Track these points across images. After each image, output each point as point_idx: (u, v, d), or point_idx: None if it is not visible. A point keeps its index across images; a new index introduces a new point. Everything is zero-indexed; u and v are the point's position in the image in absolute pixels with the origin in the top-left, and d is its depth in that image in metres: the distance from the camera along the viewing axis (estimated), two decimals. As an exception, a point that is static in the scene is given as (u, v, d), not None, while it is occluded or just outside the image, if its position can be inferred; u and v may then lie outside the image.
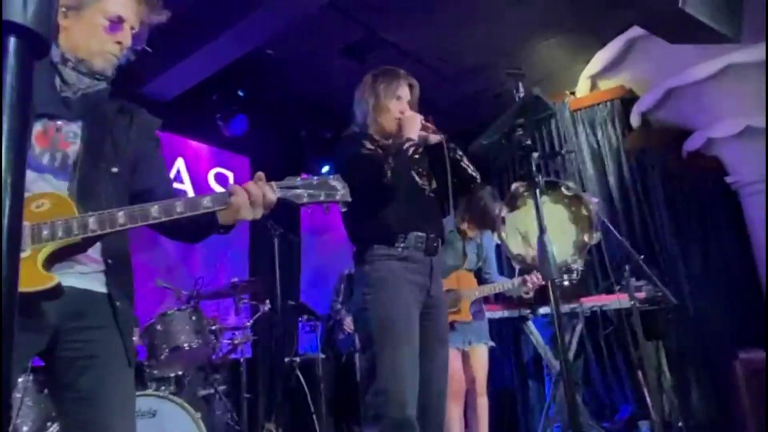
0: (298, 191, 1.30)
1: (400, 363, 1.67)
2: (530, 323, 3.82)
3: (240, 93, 4.71)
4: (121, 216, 1.20)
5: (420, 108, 2.24)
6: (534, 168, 1.53)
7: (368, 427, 1.63)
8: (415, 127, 2.04)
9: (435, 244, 1.98)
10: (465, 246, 3.25)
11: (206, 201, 1.25)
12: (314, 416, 4.14)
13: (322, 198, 1.30)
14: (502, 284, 3.07)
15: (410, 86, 2.23)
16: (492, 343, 3.27)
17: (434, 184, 2.08)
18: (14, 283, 0.32)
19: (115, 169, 1.34)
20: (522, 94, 1.64)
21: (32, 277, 1.11)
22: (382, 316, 1.73)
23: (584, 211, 1.68)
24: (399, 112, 2.11)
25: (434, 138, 2.05)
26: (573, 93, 5.11)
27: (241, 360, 3.62)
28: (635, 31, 4.43)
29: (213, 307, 4.04)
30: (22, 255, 1.09)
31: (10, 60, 0.35)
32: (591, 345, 4.40)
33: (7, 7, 0.34)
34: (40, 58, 0.36)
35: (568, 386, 1.50)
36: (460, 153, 2.05)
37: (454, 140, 2.07)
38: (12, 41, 0.35)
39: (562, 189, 1.72)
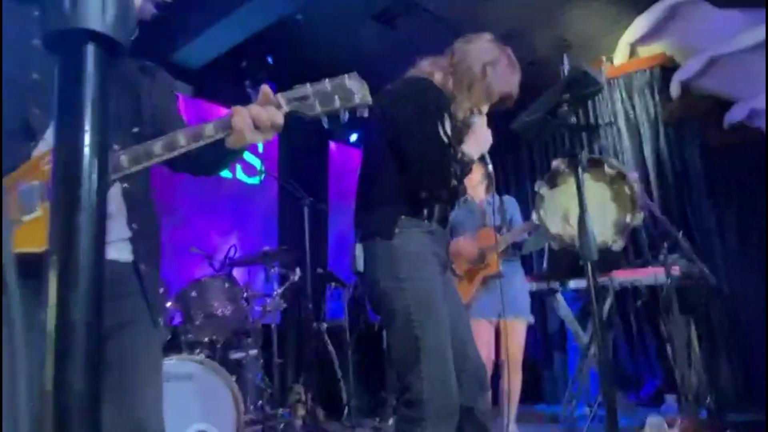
0: (310, 101, 1.16)
1: (444, 346, 1.57)
2: (559, 296, 3.80)
3: (269, 59, 4.67)
4: (124, 159, 1.11)
5: None
6: (578, 145, 1.48)
7: (411, 409, 1.54)
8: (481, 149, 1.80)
9: (449, 214, 1.86)
10: (484, 210, 3.18)
11: (208, 129, 1.15)
12: (341, 381, 4.24)
13: (337, 105, 1.15)
14: (522, 227, 2.90)
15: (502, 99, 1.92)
16: (532, 319, 3.17)
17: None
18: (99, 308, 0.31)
19: (136, 129, 1.29)
20: (567, 67, 1.58)
21: (44, 235, 1.09)
22: (422, 296, 1.60)
23: (627, 190, 1.63)
24: (482, 118, 1.85)
25: None
26: (610, 60, 4.93)
27: (273, 326, 3.70)
28: (679, -5, 4.23)
29: (244, 275, 4.12)
30: (33, 215, 1.06)
31: (89, 67, 0.34)
32: (619, 319, 4.37)
33: (85, 14, 0.33)
34: (116, 63, 0.36)
35: (605, 366, 1.49)
36: None
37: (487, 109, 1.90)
38: (90, 48, 0.34)
39: (605, 167, 1.67)
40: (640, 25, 4.54)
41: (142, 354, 1.25)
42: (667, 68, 4.71)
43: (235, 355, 3.49)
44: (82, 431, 0.28)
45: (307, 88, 1.17)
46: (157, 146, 1.12)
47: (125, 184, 1.25)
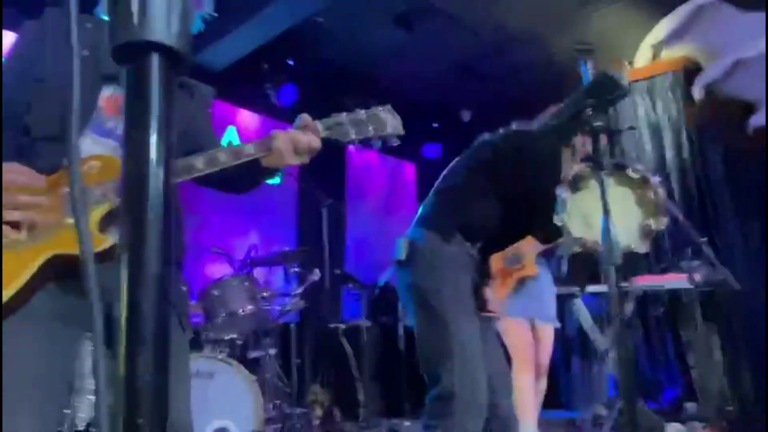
0: (345, 128, 1.24)
1: (475, 344, 1.66)
2: (578, 300, 3.77)
3: (290, 62, 4.72)
4: (197, 162, 1.16)
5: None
6: (602, 150, 1.48)
7: (440, 403, 1.58)
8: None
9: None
10: None
11: (248, 148, 1.20)
12: (358, 381, 4.26)
13: (370, 133, 1.22)
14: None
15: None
16: (558, 325, 3.17)
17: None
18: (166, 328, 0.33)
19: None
20: (591, 71, 1.58)
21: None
22: (458, 295, 1.71)
23: (651, 195, 1.62)
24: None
25: None
26: (631, 63, 4.88)
27: (292, 326, 3.74)
28: (703, -3, 4.18)
29: (264, 274, 4.16)
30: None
31: (154, 79, 0.36)
32: (640, 325, 4.32)
33: (150, 27, 0.35)
34: (180, 74, 0.38)
35: (627, 375, 1.49)
36: None
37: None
38: (155, 60, 0.36)
39: (629, 171, 1.66)
40: (662, 27, 4.50)
41: (172, 353, 1.27)
42: (689, 71, 4.65)
43: (254, 354, 3.53)
44: (152, 416, 0.30)
45: (343, 117, 1.24)
46: (199, 161, 1.17)
47: None
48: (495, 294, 2.04)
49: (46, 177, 1.12)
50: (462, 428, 1.56)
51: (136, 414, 0.30)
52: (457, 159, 2.07)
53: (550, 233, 1.93)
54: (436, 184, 2.04)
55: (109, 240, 1.08)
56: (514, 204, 1.85)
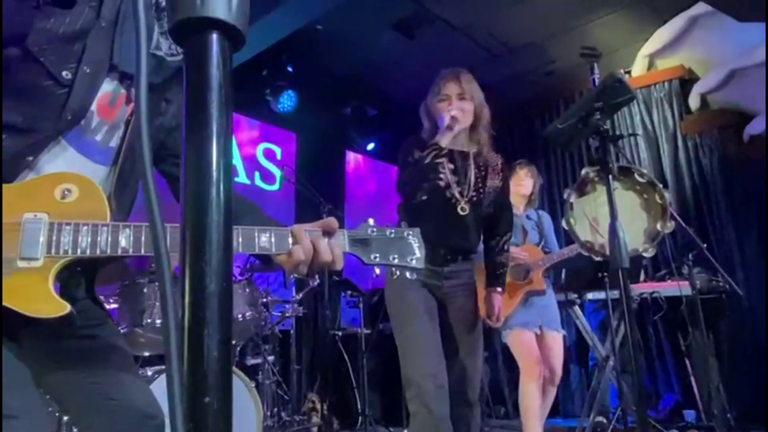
0: (369, 248, 1.12)
1: (423, 337, 1.97)
2: (577, 308, 3.78)
3: (289, 68, 4.73)
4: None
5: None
6: (609, 153, 1.49)
7: (408, 392, 1.90)
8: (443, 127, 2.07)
9: (455, 257, 2.12)
10: (523, 223, 3.28)
11: (264, 240, 1.02)
12: (356, 389, 4.23)
13: (395, 262, 1.14)
14: (569, 248, 3.03)
15: (456, 79, 2.19)
16: (564, 332, 3.22)
17: (469, 191, 2.13)
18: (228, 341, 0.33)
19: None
20: (597, 76, 1.59)
21: (39, 298, 0.89)
22: (405, 305, 2.04)
23: (658, 199, 1.63)
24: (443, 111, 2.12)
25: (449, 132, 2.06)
26: (628, 72, 4.93)
27: (291, 332, 3.71)
28: (699, 8, 4.23)
29: (263, 280, 4.14)
30: (32, 264, 0.89)
31: (214, 56, 0.36)
32: (637, 332, 4.33)
33: (211, 4, 0.35)
34: (237, 51, 0.37)
35: (638, 385, 1.48)
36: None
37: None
38: (214, 37, 0.36)
39: (635, 175, 1.67)
40: (658, 37, 4.55)
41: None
42: (685, 81, 4.71)
43: (253, 361, 3.50)
44: (216, 396, 0.30)
45: (373, 234, 1.14)
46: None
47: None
48: (503, 307, 2.12)
49: (3, 186, 0.92)
50: (426, 409, 1.83)
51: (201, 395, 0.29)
52: None
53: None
54: None
55: (66, 307, 0.92)
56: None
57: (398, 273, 1.81)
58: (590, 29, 4.50)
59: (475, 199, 2.13)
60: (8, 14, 0.93)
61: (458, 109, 2.10)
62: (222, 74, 0.35)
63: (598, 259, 1.63)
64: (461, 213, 2.09)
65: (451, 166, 2.14)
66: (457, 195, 2.10)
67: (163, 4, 1.08)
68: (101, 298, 1.20)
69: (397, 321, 2.06)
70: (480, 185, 2.16)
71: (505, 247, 2.26)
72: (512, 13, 4.29)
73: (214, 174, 0.33)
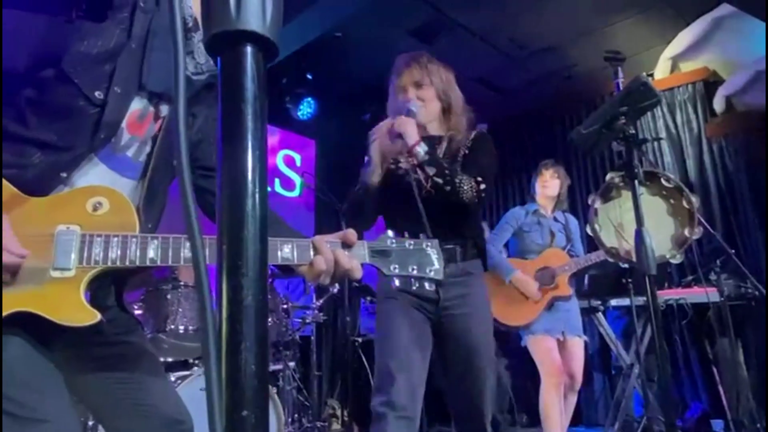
0: (389, 259, 1.13)
1: (392, 355, 1.74)
2: (600, 315, 3.72)
3: (309, 76, 4.76)
4: (186, 250, 1.00)
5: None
6: (634, 158, 1.47)
7: (372, 399, 1.74)
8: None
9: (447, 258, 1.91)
10: (551, 225, 3.25)
11: (286, 251, 1.05)
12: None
13: (414, 273, 1.14)
14: (596, 254, 2.98)
15: (410, 65, 1.94)
16: (586, 338, 3.19)
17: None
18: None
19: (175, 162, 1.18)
20: (621, 80, 1.57)
21: (70, 307, 0.92)
22: (382, 317, 1.86)
23: (685, 204, 1.60)
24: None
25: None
26: (651, 75, 4.86)
27: (312, 338, 3.72)
28: (723, 9, 4.16)
29: (283, 287, 4.16)
30: (65, 274, 0.93)
31: (249, 68, 0.36)
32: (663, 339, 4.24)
33: (247, 17, 0.36)
34: (271, 62, 0.38)
35: (666, 394, 1.45)
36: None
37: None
38: (249, 50, 0.36)
39: (662, 180, 1.64)
40: (682, 39, 4.48)
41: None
42: (710, 83, 4.62)
43: (274, 367, 3.51)
44: (254, 410, 0.30)
45: (392, 246, 1.15)
46: None
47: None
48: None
49: (37, 200, 0.95)
50: (391, 408, 1.66)
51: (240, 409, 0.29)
52: None
53: None
54: None
55: (96, 315, 0.94)
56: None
57: (385, 294, 1.80)
58: (612, 32, 4.45)
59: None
60: (43, 35, 0.97)
61: (416, 99, 1.88)
62: (257, 87, 0.35)
63: (624, 266, 1.60)
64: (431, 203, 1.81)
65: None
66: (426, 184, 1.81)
67: (190, 24, 1.11)
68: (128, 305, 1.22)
69: (376, 347, 1.84)
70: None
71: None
72: (532, 18, 4.26)
73: (250, 186, 0.33)
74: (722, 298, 2.70)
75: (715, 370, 3.93)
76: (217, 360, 0.30)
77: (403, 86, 1.92)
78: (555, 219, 3.31)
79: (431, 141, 1.89)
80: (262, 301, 0.32)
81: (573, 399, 3.10)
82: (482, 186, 1.77)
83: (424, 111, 1.89)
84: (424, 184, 1.79)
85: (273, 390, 2.80)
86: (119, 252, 0.95)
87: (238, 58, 0.36)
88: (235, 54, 0.36)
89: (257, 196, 0.33)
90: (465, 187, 1.75)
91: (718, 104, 4.52)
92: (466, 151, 1.90)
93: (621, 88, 1.57)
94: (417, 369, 1.74)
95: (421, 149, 1.78)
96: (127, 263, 0.95)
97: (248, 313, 0.31)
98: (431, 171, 1.77)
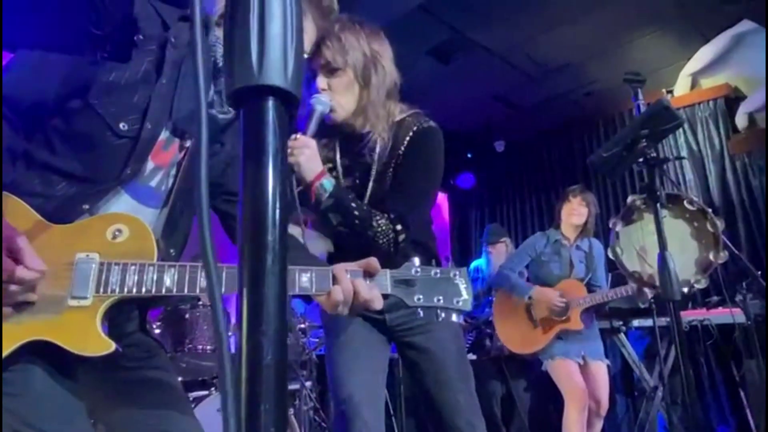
0: (413, 288, 1.08)
1: (344, 370, 1.60)
2: (622, 336, 3.65)
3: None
4: (202, 279, 0.98)
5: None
6: (656, 181, 1.45)
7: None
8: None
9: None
10: (571, 255, 3.17)
11: (304, 280, 1.02)
12: (393, 417, 4.17)
13: (440, 303, 1.08)
14: (615, 291, 2.91)
15: (320, 44, 1.42)
16: (608, 362, 3.12)
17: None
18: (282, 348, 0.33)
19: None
20: (642, 102, 1.55)
21: (86, 337, 0.92)
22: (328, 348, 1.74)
23: (709, 227, 1.56)
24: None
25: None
26: (670, 92, 4.81)
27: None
28: (743, 26, 4.13)
29: (302, 305, 4.16)
30: (82, 303, 0.93)
31: (271, 122, 0.36)
32: (688, 361, 4.13)
33: (268, 72, 0.36)
34: (292, 114, 0.38)
35: (692, 418, 1.41)
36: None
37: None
38: (271, 104, 0.37)
39: (684, 203, 1.61)
40: (702, 55, 4.44)
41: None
42: (731, 99, 4.57)
43: (290, 387, 3.49)
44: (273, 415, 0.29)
45: (417, 275, 1.10)
46: None
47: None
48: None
49: (59, 227, 0.96)
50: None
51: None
52: None
53: None
54: None
55: (112, 345, 0.94)
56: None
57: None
58: (631, 49, 4.43)
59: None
60: (69, 72, 0.98)
61: (327, 90, 1.42)
62: (279, 141, 0.36)
63: (643, 306, 1.56)
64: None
65: (346, 160, 1.55)
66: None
67: (221, 64, 1.10)
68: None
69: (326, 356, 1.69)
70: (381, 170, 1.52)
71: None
72: (550, 36, 4.26)
73: (270, 244, 0.33)
74: (749, 321, 2.63)
75: (742, 392, 3.81)
76: (236, 422, 0.30)
77: (313, 69, 1.43)
78: (577, 247, 3.21)
79: (360, 144, 1.51)
80: (281, 361, 0.32)
81: (599, 425, 3.03)
82: (401, 237, 1.43)
83: (337, 106, 1.44)
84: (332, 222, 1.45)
85: (290, 410, 2.78)
86: (135, 279, 0.95)
87: (261, 112, 0.36)
88: (258, 108, 0.36)
89: (277, 258, 0.33)
90: (381, 241, 1.41)
91: (741, 120, 4.46)
92: (400, 158, 1.50)
93: (641, 109, 1.55)
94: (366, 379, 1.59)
95: (325, 189, 1.39)
96: (143, 291, 0.95)
97: (268, 374, 0.31)
98: (335, 220, 1.41)
